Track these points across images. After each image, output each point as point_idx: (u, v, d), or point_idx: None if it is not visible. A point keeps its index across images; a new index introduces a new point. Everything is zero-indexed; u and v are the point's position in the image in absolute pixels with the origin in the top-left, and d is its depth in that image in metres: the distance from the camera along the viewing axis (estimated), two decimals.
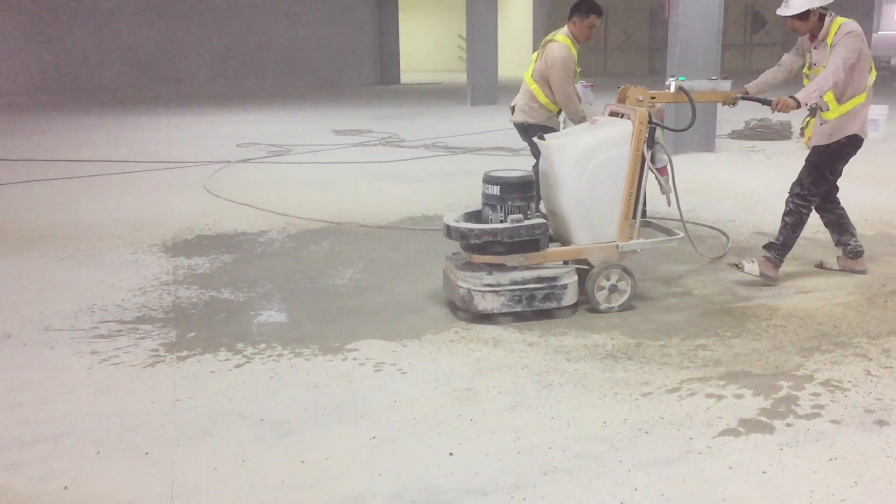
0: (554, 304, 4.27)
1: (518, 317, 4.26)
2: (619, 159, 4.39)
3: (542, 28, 25.70)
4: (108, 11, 19.68)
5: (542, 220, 4.31)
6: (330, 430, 3.16)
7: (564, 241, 4.55)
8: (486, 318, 4.24)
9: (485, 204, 4.36)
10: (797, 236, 4.86)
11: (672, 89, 4.72)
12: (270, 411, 3.32)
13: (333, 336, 4.13)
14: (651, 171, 4.50)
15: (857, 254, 5.02)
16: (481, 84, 16.47)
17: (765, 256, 4.86)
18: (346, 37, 22.33)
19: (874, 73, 4.72)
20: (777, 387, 3.49)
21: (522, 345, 4.00)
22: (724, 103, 4.86)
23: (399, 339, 4.07)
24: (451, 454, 2.97)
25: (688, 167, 8.86)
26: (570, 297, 4.30)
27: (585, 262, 4.47)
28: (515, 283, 4.21)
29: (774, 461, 2.89)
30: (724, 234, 6.03)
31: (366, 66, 22.81)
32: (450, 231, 4.29)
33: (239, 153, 10.18)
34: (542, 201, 4.82)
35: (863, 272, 5.01)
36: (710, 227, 6.30)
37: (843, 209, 5.04)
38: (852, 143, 4.73)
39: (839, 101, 4.65)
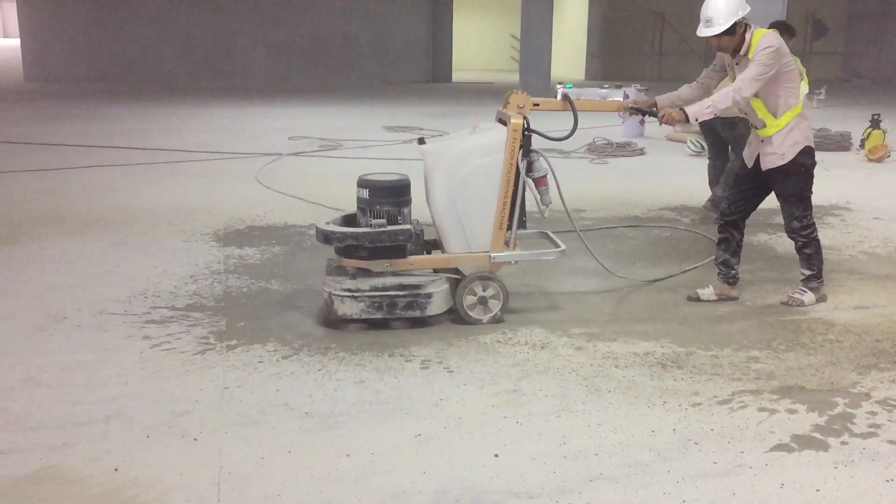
0: (417, 313, 4.11)
1: (381, 324, 4.14)
2: (492, 167, 4.18)
3: (598, 30, 25.54)
4: (167, 3, 20.05)
5: (406, 227, 4.13)
6: (375, 426, 3.16)
7: (443, 250, 4.35)
8: (349, 323, 4.15)
9: (357, 207, 4.26)
10: (822, 255, 4.66)
11: (558, 97, 4.52)
12: (317, 403, 3.33)
13: (381, 332, 4.14)
14: (525, 181, 4.29)
15: (735, 280, 4.75)
16: (534, 85, 16.42)
17: (810, 287, 4.65)
18: (399, 33, 22.42)
19: (806, 82, 4.47)
20: (832, 403, 3.40)
21: (570, 349, 3.96)
22: (621, 114, 4.69)
23: (446, 338, 4.06)
24: (496, 455, 2.95)
25: None
26: (435, 307, 4.13)
27: (457, 271, 4.29)
28: (376, 289, 4.07)
29: (828, 479, 2.82)
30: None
31: (418, 64, 22.88)
32: (317, 233, 4.19)
33: (291, 146, 10.28)
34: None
35: (737, 298, 4.73)
36: (704, 235, 6.19)
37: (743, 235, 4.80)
38: (809, 155, 4.48)
39: (775, 115, 4.42)
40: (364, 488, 2.73)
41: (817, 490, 2.75)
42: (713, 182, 6.84)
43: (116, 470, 2.81)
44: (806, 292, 4.66)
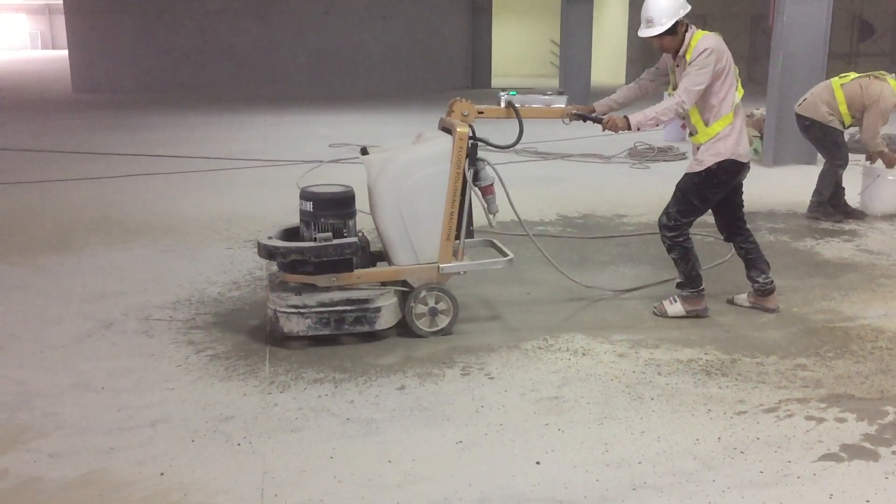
0: (366, 328, 4.02)
1: (329, 339, 4.04)
2: (439, 177, 4.11)
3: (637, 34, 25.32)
4: (210, 13, 20.35)
5: (353, 240, 4.03)
6: (416, 432, 3.17)
7: (389, 262, 4.27)
8: (295, 340, 4.03)
9: (301, 220, 4.15)
10: (695, 265, 4.41)
11: (502, 104, 4.44)
12: (358, 409, 3.35)
13: (420, 337, 4.14)
14: (473, 190, 4.22)
15: (766, 291, 4.53)
16: (574, 90, 16.29)
17: (681, 296, 4.47)
18: (439, 40, 22.47)
19: (741, 91, 4.30)
20: (882, 412, 3.33)
21: (612, 356, 3.93)
22: (564, 120, 4.56)
23: (487, 344, 4.06)
24: (537, 463, 2.94)
25: (786, 180, 8.58)
26: (385, 321, 4.05)
27: (405, 283, 4.20)
28: (323, 304, 3.96)
29: (879, 490, 2.76)
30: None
31: (458, 70, 22.89)
32: (259, 248, 4.10)
33: (331, 153, 10.36)
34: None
35: (774, 310, 4.53)
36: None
37: (753, 243, 4.55)
38: (725, 169, 4.26)
39: (707, 124, 4.26)
40: (405, 495, 2.73)
41: (867, 501, 2.69)
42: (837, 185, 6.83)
43: (162, 474, 2.85)
44: (675, 302, 4.48)
